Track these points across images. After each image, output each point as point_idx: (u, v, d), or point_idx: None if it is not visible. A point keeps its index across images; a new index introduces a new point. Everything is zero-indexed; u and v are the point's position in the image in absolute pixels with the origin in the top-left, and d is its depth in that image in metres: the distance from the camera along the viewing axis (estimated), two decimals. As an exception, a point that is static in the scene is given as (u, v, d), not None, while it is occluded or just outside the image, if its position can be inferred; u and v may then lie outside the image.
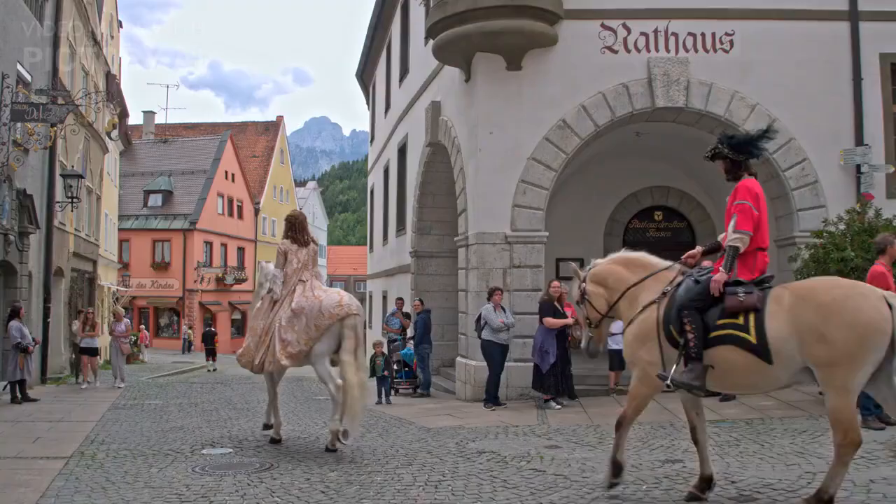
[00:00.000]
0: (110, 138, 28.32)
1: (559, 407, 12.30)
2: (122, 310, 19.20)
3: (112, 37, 32.97)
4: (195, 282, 47.79)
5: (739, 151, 6.15)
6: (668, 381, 5.89)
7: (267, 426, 9.79)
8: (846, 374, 5.19)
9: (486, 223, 13.97)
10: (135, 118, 55.52)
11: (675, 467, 7.70)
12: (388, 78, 25.07)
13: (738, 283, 5.78)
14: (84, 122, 21.80)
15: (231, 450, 9.41)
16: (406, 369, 16.14)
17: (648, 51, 14.18)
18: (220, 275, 50.28)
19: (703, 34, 14.22)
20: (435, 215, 18.84)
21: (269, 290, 9.06)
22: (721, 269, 5.89)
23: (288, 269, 8.98)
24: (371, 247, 29.35)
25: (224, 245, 51.94)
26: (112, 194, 35.58)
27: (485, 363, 13.21)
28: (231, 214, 52.88)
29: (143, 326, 42.78)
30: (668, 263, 6.50)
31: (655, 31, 14.19)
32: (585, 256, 9.49)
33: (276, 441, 9.54)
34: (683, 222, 19.79)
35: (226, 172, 51.76)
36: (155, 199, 49.25)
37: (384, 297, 24.64)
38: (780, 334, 5.42)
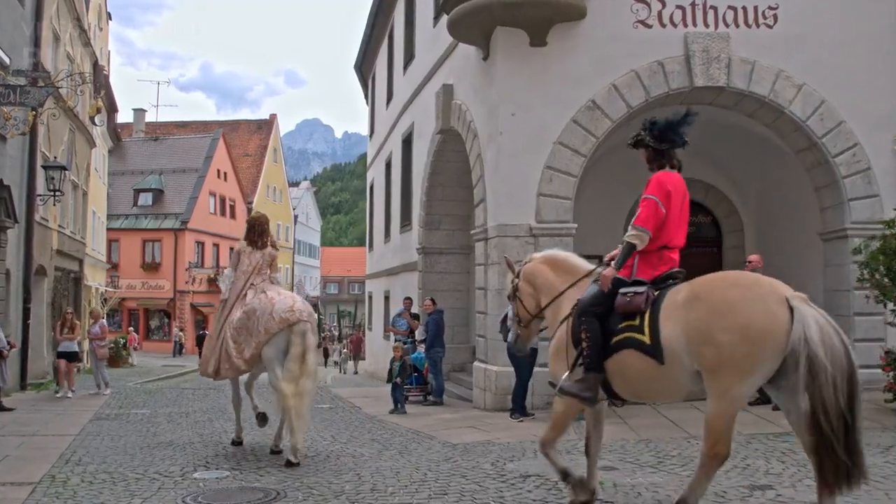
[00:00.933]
0: (95, 123, 26.77)
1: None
2: (100, 309, 17.42)
3: (101, 29, 31.46)
4: (186, 283, 46.27)
5: (661, 139, 5.60)
6: (557, 391, 5.60)
7: (274, 451, 8.85)
8: (730, 381, 4.70)
9: (507, 214, 12.60)
10: (125, 116, 54.12)
11: (767, 496, 6.32)
12: (389, 67, 23.68)
13: (638, 283, 5.35)
14: (66, 106, 20.25)
15: (228, 472, 7.98)
16: (416, 374, 14.68)
17: (685, 25, 12.87)
18: (213, 275, 48.55)
19: (744, 7, 12.91)
20: (444, 209, 17.44)
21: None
22: (612, 265, 5.51)
23: (238, 270, 8.78)
24: (371, 245, 27.93)
25: (216, 245, 50.40)
26: (100, 191, 34.10)
27: (508, 368, 11.84)
28: (223, 214, 51.36)
29: (132, 329, 41.31)
30: (590, 267, 6.00)
31: (693, 5, 12.89)
32: (605, 254, 8.18)
33: (236, 443, 9.46)
34: (708, 217, 18.39)
35: (218, 171, 50.26)
36: (145, 198, 47.71)
37: (386, 298, 23.23)
38: (672, 333, 4.97)
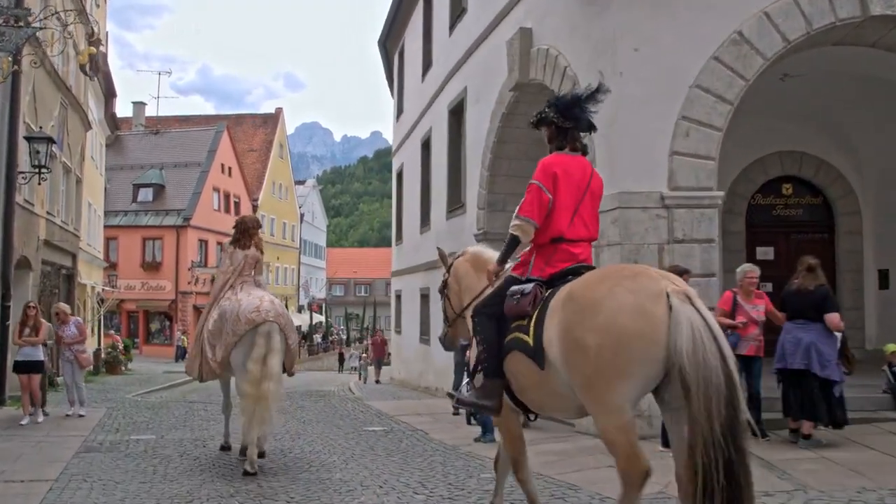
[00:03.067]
0: (88, 75, 23.41)
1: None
2: (67, 307, 13.32)
3: (97, 5, 28.20)
4: (189, 283, 42.96)
5: (565, 115, 4.85)
6: (454, 403, 5.38)
7: (223, 447, 9.13)
8: (600, 389, 3.98)
9: (629, 180, 9.46)
10: (123, 111, 50.82)
11: None
12: (427, 33, 20.46)
13: (531, 282, 4.65)
14: (55, 72, 16.98)
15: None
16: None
17: (859, -66, 9.70)
18: (216, 275, 45.33)
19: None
20: (511, 186, 14.20)
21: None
22: (496, 261, 5.09)
23: (219, 271, 8.88)
24: (400, 237, 24.67)
25: (220, 244, 46.95)
26: (97, 183, 30.86)
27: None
28: (227, 211, 48.02)
29: (112, 331, 37.64)
30: (508, 270, 5.12)
31: None
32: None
33: (224, 448, 9.11)
34: (818, 198, 15.31)
35: (222, 166, 47.00)
36: (145, 194, 44.47)
37: (424, 296, 20.01)
38: (550, 335, 4.30)
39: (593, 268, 4.75)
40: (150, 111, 53.47)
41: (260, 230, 8.98)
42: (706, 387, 3.70)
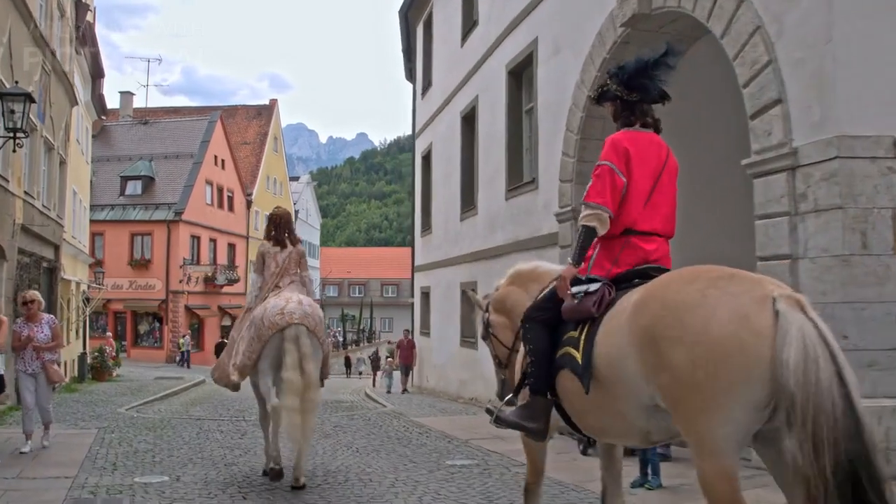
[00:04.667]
0: (72, 41, 20.44)
1: None
2: (38, 296, 9.41)
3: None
4: (180, 282, 39.78)
5: (630, 86, 4.13)
6: (492, 419, 4.43)
7: (267, 472, 7.50)
8: (700, 421, 3.09)
9: (850, 118, 6.59)
10: (110, 102, 47.40)
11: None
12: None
13: (594, 281, 3.90)
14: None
15: None
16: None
17: None
18: (210, 274, 42.26)
19: None
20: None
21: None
22: (569, 260, 4.07)
23: (266, 274, 7.79)
24: (428, 227, 21.68)
25: (213, 240, 43.96)
26: (82, 170, 27.78)
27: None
28: (221, 206, 44.91)
29: (108, 334, 34.50)
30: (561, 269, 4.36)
31: None
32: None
33: (275, 472, 7.28)
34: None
35: (215, 157, 43.81)
36: (133, 187, 41.21)
37: (466, 293, 17.08)
38: (610, 350, 3.55)
39: (667, 270, 3.91)
40: (137, 102, 50.24)
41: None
42: (816, 414, 2.80)
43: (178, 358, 36.78)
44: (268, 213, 8.38)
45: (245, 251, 48.24)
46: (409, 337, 22.06)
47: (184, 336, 37.68)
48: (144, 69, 70.58)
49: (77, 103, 22.42)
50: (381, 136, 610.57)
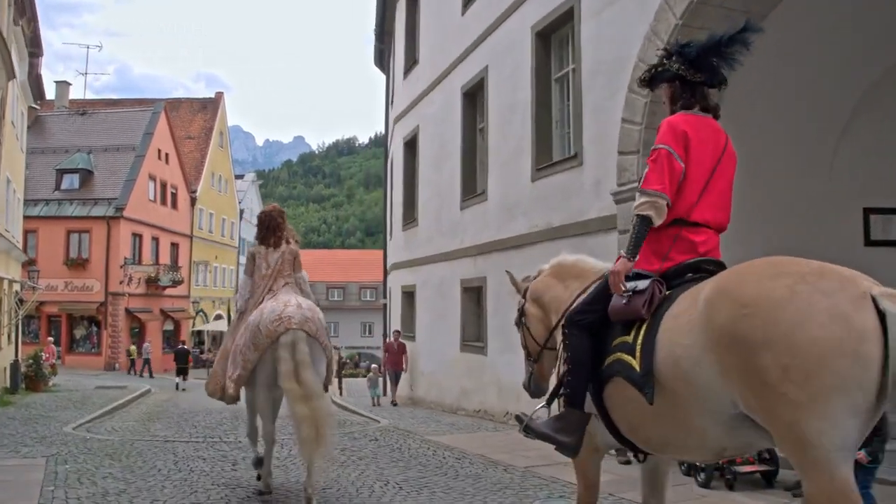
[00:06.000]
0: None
1: None
2: None
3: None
4: (121, 283, 36.61)
5: (697, 66, 3.74)
6: (521, 428, 4.01)
7: (263, 492, 7.01)
8: (798, 426, 2.72)
9: None
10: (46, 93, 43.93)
11: None
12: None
13: (641, 277, 3.54)
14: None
15: None
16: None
17: None
18: (153, 274, 39.11)
19: None
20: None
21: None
22: (622, 254, 3.62)
23: (257, 276, 7.22)
24: (412, 219, 19.37)
25: (156, 239, 40.83)
26: (17, 157, 24.81)
27: None
28: (164, 202, 41.81)
29: (51, 339, 31.34)
30: (606, 267, 3.99)
31: None
32: None
33: (263, 494, 6.98)
34: None
35: (159, 151, 40.74)
36: (70, 181, 37.87)
37: (472, 289, 14.91)
38: (677, 354, 3.16)
39: (720, 262, 3.56)
40: (75, 93, 46.73)
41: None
42: None
43: (140, 367, 33.84)
44: (258, 214, 7.81)
45: (188, 251, 45.23)
46: (399, 338, 19.01)
47: (146, 343, 34.74)
48: (77, 67, 66.59)
49: (14, 77, 19.51)
50: (318, 140, 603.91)
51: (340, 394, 25.11)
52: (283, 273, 7.20)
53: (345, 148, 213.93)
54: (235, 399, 6.95)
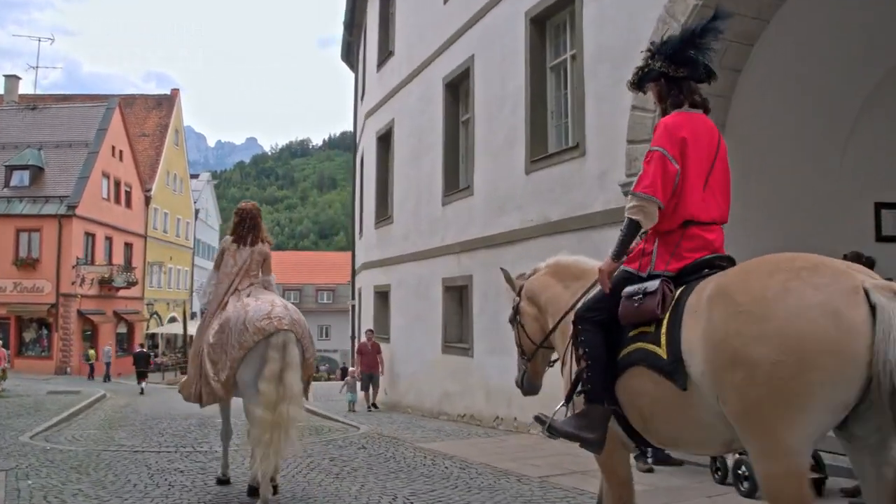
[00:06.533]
0: None
1: None
2: None
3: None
4: (73, 284, 35.14)
5: (676, 61, 3.75)
6: (545, 429, 3.85)
7: (221, 480, 7.25)
8: (771, 424, 2.83)
9: None
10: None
11: None
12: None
13: (653, 279, 3.52)
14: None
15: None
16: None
17: None
18: (107, 275, 37.64)
19: None
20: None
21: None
22: (610, 255, 3.70)
23: (222, 272, 6.98)
24: (386, 216, 18.57)
25: (109, 238, 39.37)
26: (-37, 150, 23.35)
27: None
28: (118, 201, 40.36)
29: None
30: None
31: None
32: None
33: (222, 482, 7.24)
34: None
35: (113, 148, 39.32)
36: (20, 177, 36.33)
37: (456, 288, 14.21)
38: (692, 347, 3.17)
39: (730, 258, 3.55)
40: (25, 87, 44.97)
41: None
42: None
43: (104, 371, 32.46)
44: (235, 208, 7.52)
45: (143, 251, 43.79)
46: (372, 338, 17.79)
47: (92, 347, 33.27)
48: (27, 62, 64.20)
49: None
50: (272, 141, 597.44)
51: (307, 398, 24.16)
52: (250, 273, 7.02)
53: (298, 150, 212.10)
54: (224, 400, 6.83)
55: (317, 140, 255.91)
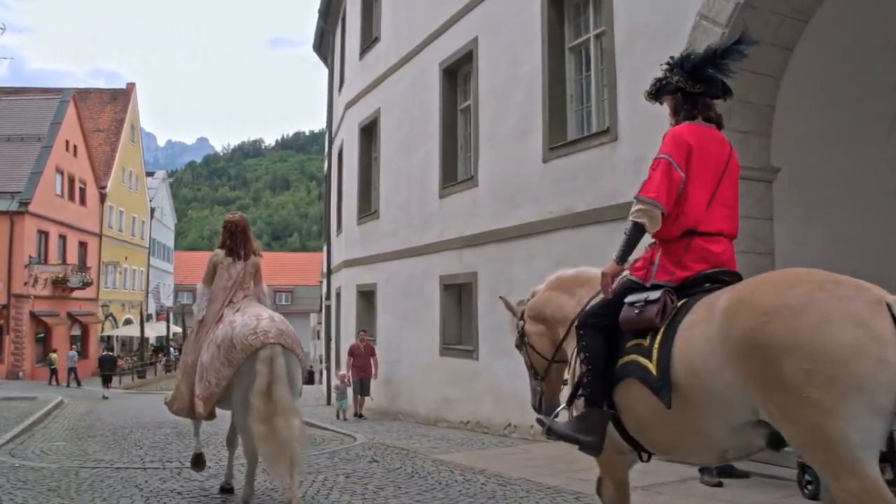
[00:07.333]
0: None
1: None
2: None
3: None
4: (25, 284, 33.32)
5: (695, 77, 3.78)
6: (544, 430, 3.99)
7: (224, 488, 6.98)
8: (822, 429, 2.73)
9: None
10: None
11: None
12: None
13: (657, 288, 3.53)
14: None
15: None
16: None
17: None
18: (61, 275, 35.82)
19: None
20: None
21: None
22: (614, 258, 3.71)
23: (216, 286, 6.89)
24: (371, 210, 17.51)
25: (63, 237, 37.56)
26: None
27: None
28: (72, 198, 38.54)
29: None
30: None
31: None
32: None
33: (226, 490, 6.97)
34: None
35: (67, 143, 37.52)
36: (-33, 173, 34.26)
37: (457, 286, 13.26)
38: (696, 362, 3.14)
39: (737, 273, 3.57)
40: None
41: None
42: None
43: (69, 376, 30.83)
44: (223, 220, 7.44)
45: (97, 250, 41.96)
46: (367, 339, 16.19)
47: (54, 351, 31.57)
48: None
49: None
50: (223, 141, 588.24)
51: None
52: (244, 285, 6.97)
53: (251, 150, 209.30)
54: (209, 418, 6.71)
55: (269, 140, 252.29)
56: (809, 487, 5.90)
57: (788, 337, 2.80)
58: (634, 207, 3.60)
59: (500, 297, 5.28)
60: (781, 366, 2.79)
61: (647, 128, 8.84)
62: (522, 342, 4.72)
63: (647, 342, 3.42)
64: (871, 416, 2.71)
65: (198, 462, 7.34)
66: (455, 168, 13.68)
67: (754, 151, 8.44)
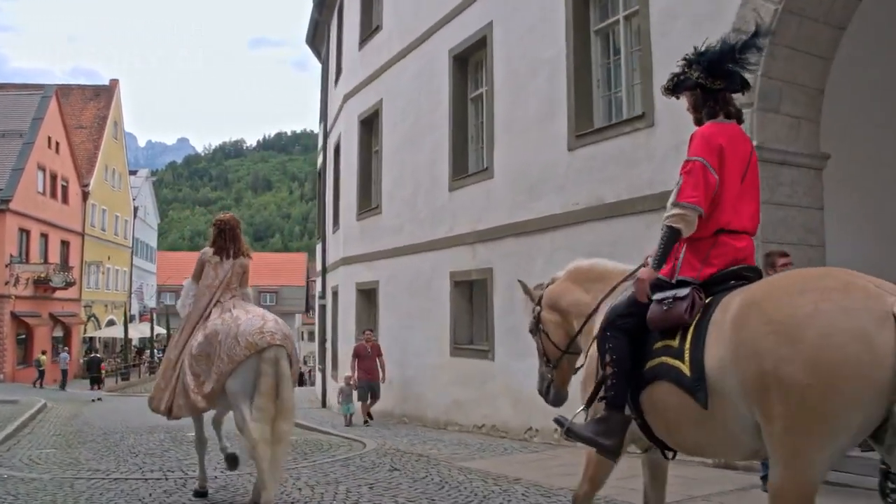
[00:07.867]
0: None
1: None
2: None
3: None
4: (7, 283, 32.31)
5: (714, 73, 3.72)
6: (563, 431, 3.86)
7: (199, 493, 6.96)
8: (801, 440, 2.86)
9: None
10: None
11: None
12: None
13: (684, 284, 3.51)
14: None
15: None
16: None
17: None
18: (43, 275, 34.80)
19: None
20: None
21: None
22: (649, 261, 3.67)
23: (202, 284, 6.95)
24: (371, 206, 16.80)
25: (45, 235, 36.52)
26: None
27: None
28: (54, 196, 37.53)
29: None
30: (630, 269, 4.18)
31: None
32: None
33: (199, 494, 6.98)
34: None
35: (49, 139, 36.51)
36: (-54, 169, 33.24)
37: (470, 283, 12.61)
38: (719, 363, 3.16)
39: (757, 269, 3.65)
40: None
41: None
42: None
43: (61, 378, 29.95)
44: (214, 219, 7.46)
45: (80, 250, 40.92)
46: (374, 339, 14.94)
47: (44, 353, 30.63)
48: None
49: None
50: (204, 142, 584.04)
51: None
52: (231, 285, 6.97)
53: (232, 150, 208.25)
54: (182, 415, 6.70)
55: (251, 141, 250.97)
56: (894, 496, 5.33)
57: (790, 349, 2.81)
58: (672, 212, 3.52)
59: (519, 281, 5.24)
60: (781, 375, 2.82)
61: (687, 113, 8.25)
62: (537, 328, 4.72)
63: (676, 343, 3.37)
64: (848, 435, 2.83)
65: (232, 461, 7.20)
66: (466, 159, 13.02)
67: (805, 138, 7.87)
